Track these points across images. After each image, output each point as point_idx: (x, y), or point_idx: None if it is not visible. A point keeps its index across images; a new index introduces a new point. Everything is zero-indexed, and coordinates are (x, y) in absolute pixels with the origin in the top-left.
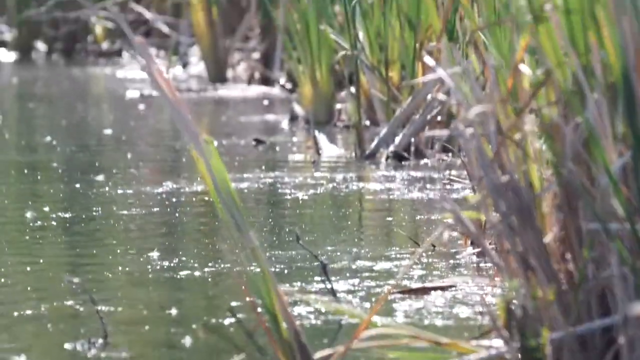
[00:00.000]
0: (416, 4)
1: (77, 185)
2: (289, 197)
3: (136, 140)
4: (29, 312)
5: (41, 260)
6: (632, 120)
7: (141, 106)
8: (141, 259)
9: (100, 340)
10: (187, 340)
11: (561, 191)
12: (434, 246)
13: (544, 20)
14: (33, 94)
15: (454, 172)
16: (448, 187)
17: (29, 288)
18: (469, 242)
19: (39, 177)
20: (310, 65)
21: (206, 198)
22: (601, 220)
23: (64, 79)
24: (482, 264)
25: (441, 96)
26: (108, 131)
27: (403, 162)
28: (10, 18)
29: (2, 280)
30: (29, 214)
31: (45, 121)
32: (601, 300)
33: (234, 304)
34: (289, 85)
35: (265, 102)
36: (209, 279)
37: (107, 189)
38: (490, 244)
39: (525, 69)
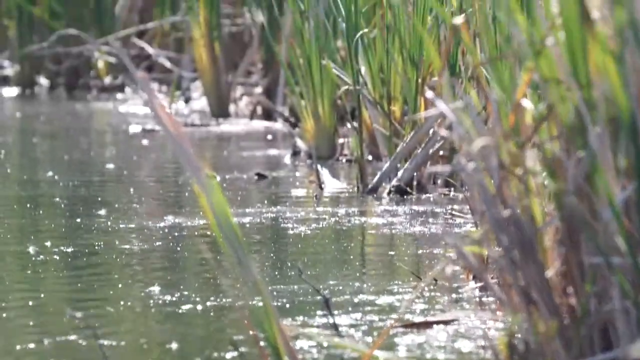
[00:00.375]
0: (418, 39)
1: (79, 220)
2: (291, 231)
3: (138, 174)
4: (31, 346)
5: (43, 295)
6: (634, 154)
7: (144, 141)
8: (143, 293)
9: None
10: None
11: (563, 225)
12: (436, 280)
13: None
14: (35, 129)
15: (456, 207)
16: (450, 221)
17: (31, 322)
18: (471, 276)
19: (41, 212)
20: (313, 100)
21: (208, 232)
22: (603, 254)
23: (67, 114)
24: (484, 298)
25: (443, 131)
26: (110, 166)
27: (405, 197)
28: (12, 53)
29: (4, 314)
30: (31, 249)
31: (47, 156)
32: (603, 334)
33: (236, 337)
34: (291, 120)
35: (268, 137)
36: (211, 313)
37: (109, 223)
38: (492, 278)
39: (527, 103)
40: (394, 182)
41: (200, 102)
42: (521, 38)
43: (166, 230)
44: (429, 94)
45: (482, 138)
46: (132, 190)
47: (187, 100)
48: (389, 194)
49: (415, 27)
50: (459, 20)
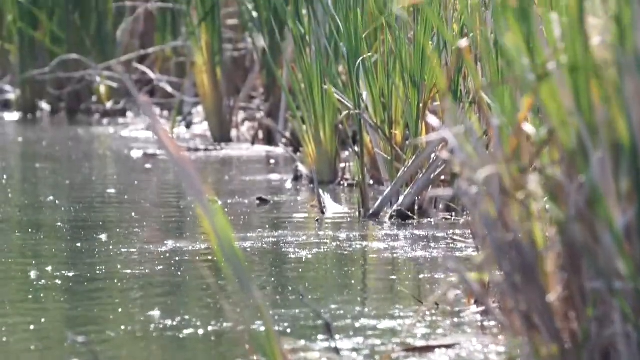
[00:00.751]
0: (420, 64)
1: (81, 244)
2: (292, 255)
3: (140, 198)
4: None
5: (44, 319)
6: (635, 178)
7: (145, 165)
8: (144, 318)
9: None
10: None
11: (565, 250)
12: (437, 304)
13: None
14: (37, 153)
15: (457, 231)
16: (452, 245)
17: (32, 347)
18: (472, 300)
19: (42, 236)
20: (314, 125)
21: (210, 257)
22: (604, 278)
23: (68, 139)
24: (485, 323)
25: (445, 155)
26: (112, 190)
27: (407, 221)
28: (14, 78)
29: (5, 338)
30: (32, 273)
31: (49, 180)
32: (605, 359)
33: None
34: (292, 141)
35: (269, 162)
36: (213, 338)
37: (110, 247)
38: (493, 302)
39: (528, 128)
40: (396, 206)
41: (202, 126)
42: (523, 62)
43: (167, 254)
44: (431, 118)
45: (484, 163)
46: (133, 214)
47: (189, 125)
48: (390, 218)
49: (418, 48)
50: (463, 43)
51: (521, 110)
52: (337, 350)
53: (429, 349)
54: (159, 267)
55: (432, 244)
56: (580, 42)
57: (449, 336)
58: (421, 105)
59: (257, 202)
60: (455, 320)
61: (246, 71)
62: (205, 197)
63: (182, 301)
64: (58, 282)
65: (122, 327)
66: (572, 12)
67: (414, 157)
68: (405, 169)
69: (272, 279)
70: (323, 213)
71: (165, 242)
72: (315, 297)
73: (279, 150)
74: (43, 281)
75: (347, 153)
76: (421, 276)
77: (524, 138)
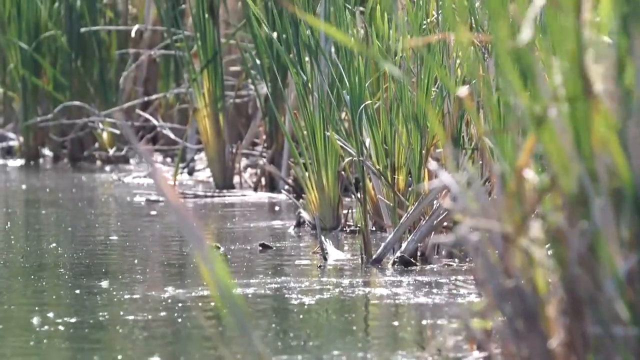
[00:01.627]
0: (423, 111)
1: (83, 291)
2: (295, 301)
3: (142, 245)
4: None
5: None
6: (637, 225)
7: (148, 212)
8: None
9: None
10: None
11: (567, 296)
12: (440, 350)
13: (549, 125)
14: (40, 200)
15: (460, 277)
16: (454, 292)
17: None
18: (474, 346)
19: (44, 282)
20: (317, 171)
21: (212, 303)
22: (606, 324)
23: (71, 185)
24: None
25: (447, 202)
26: (114, 237)
27: (409, 267)
28: (17, 125)
29: None
30: (34, 319)
31: (51, 227)
32: None
33: None
34: (295, 191)
35: (272, 208)
36: None
37: (113, 293)
38: (496, 348)
39: (530, 174)
40: (398, 253)
41: (204, 173)
42: (524, 109)
43: (169, 300)
44: (433, 165)
45: (486, 210)
46: (135, 261)
47: (192, 171)
48: (393, 264)
49: (421, 95)
50: (464, 91)
51: (522, 156)
52: None
53: None
54: (161, 314)
55: (435, 290)
56: (580, 87)
57: None
58: (423, 151)
59: (260, 248)
60: None
61: (249, 118)
62: (204, 244)
63: (184, 348)
64: (60, 327)
65: None
66: (573, 58)
67: (417, 203)
68: (408, 216)
69: (274, 325)
70: (325, 259)
71: (168, 288)
72: (317, 343)
73: (282, 196)
74: (45, 327)
75: (349, 199)
76: (423, 322)
77: (525, 184)
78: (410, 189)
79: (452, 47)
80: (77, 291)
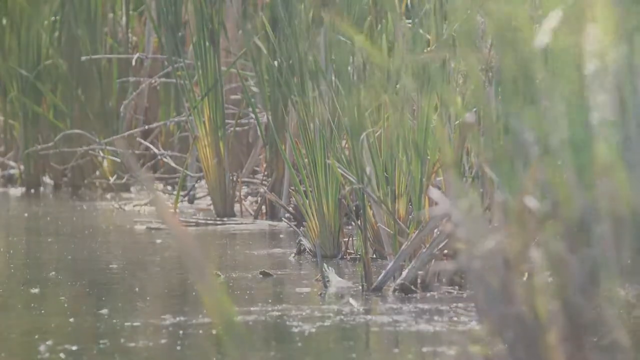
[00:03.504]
0: (423, 138)
1: (83, 319)
2: (295, 329)
3: (143, 273)
4: None
5: None
6: (638, 252)
7: (149, 239)
8: None
9: None
10: None
11: (568, 323)
12: None
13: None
14: (41, 228)
15: (461, 305)
16: (455, 319)
17: None
18: None
19: (44, 311)
20: (317, 199)
21: (213, 331)
22: (607, 351)
23: (72, 213)
24: None
25: (448, 230)
26: (115, 264)
27: (410, 295)
28: (17, 153)
29: None
30: (35, 348)
31: (52, 255)
32: None
33: None
34: (296, 219)
35: (273, 236)
36: None
37: (113, 321)
38: None
39: (531, 201)
40: (399, 280)
41: (205, 201)
42: (525, 137)
43: (170, 328)
44: (434, 192)
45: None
46: (137, 289)
47: (192, 199)
48: (393, 292)
49: (422, 122)
50: (471, 117)
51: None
52: None
53: None
54: (162, 341)
55: (436, 317)
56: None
57: None
58: (424, 179)
59: (260, 276)
60: None
61: (249, 146)
62: (205, 272)
63: None
64: (62, 355)
65: None
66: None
67: (417, 231)
68: (409, 243)
69: (275, 353)
70: (326, 287)
71: (170, 316)
72: None
73: (282, 224)
74: (47, 354)
75: (350, 227)
76: (424, 349)
77: (526, 212)
78: (410, 216)
79: (452, 72)
80: (78, 319)
